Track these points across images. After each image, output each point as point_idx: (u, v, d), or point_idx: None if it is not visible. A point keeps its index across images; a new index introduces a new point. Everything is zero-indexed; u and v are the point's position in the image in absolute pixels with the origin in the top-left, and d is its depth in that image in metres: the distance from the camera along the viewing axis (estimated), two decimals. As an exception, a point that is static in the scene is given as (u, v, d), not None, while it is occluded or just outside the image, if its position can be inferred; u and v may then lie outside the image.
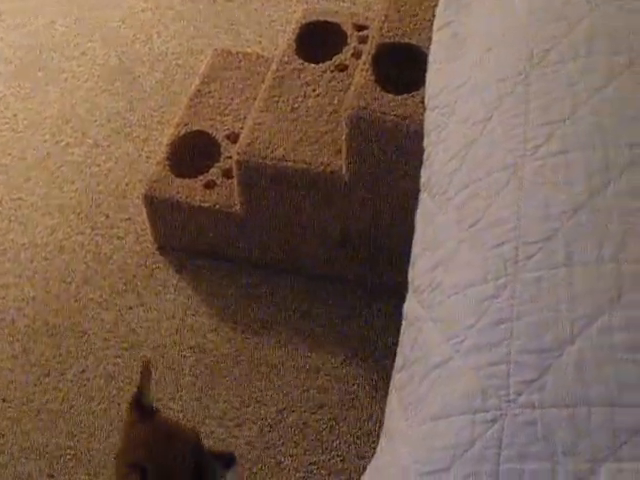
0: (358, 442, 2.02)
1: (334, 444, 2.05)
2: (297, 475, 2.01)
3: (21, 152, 2.60)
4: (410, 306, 1.59)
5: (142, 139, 2.59)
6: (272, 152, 2.07)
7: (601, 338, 1.28)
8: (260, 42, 2.79)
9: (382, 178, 1.99)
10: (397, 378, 1.56)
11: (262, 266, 2.31)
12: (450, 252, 1.52)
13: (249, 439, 2.06)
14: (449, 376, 1.37)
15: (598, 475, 1.19)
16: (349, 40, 2.27)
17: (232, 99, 2.39)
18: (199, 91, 2.42)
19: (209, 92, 2.41)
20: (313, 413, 2.09)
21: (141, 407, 1.57)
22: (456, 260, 1.50)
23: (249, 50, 2.69)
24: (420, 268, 1.59)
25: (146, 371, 1.59)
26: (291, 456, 2.04)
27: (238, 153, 2.09)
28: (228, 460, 1.52)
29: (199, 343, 2.21)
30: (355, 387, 2.12)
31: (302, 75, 2.21)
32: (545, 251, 1.39)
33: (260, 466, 2.02)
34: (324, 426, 2.07)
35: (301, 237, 2.20)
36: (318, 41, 2.32)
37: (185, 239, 2.33)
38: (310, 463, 2.02)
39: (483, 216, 1.49)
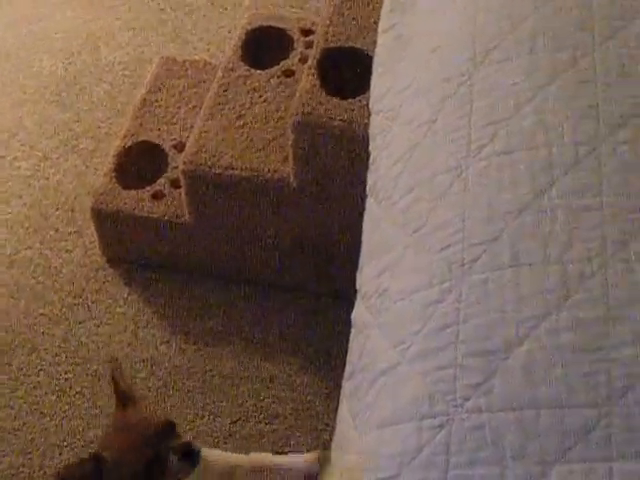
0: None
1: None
2: (253, 486, 1.97)
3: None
4: (358, 313, 1.56)
5: (90, 151, 2.54)
6: (218, 160, 2.04)
7: (548, 339, 1.26)
8: (208, 49, 2.76)
9: (331, 183, 1.96)
10: (346, 386, 1.53)
11: (214, 276, 2.27)
12: (396, 257, 1.49)
13: (203, 452, 2.02)
14: (396, 383, 1.34)
15: (549, 478, 1.17)
16: (296, 45, 2.23)
17: (179, 108, 2.35)
18: (145, 101, 2.38)
19: (155, 101, 2.37)
20: (268, 423, 2.06)
21: (118, 398, 1.57)
22: (402, 265, 1.47)
23: (197, 58, 2.65)
24: (367, 274, 1.56)
25: (115, 363, 1.62)
26: (246, 468, 2.00)
27: (184, 162, 2.05)
28: (193, 458, 1.48)
29: (151, 356, 2.17)
30: (310, 396, 2.08)
31: (248, 82, 2.17)
32: (490, 253, 1.36)
33: (215, 478, 1.98)
34: (279, 436, 2.04)
35: (252, 245, 2.16)
36: (265, 47, 2.28)
37: (134, 251, 2.28)
38: (266, 474, 1.98)
39: (428, 220, 1.47)
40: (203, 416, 2.07)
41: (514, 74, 1.54)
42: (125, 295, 2.27)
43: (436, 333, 1.33)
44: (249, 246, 2.16)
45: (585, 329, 1.25)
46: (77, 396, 2.12)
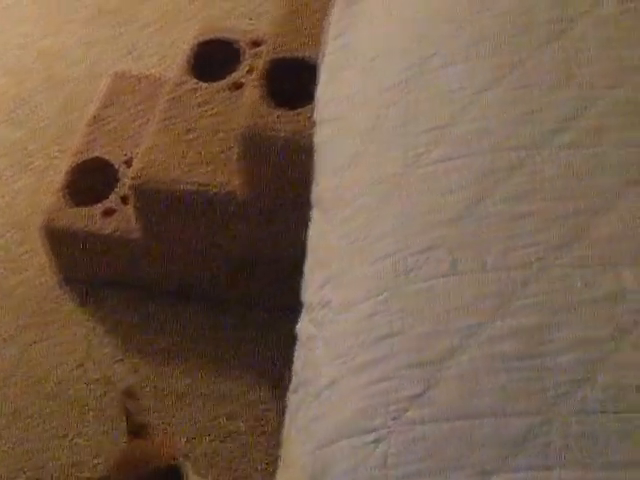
0: (269, 469, 1.95)
1: (245, 472, 1.98)
2: (206, 505, 1.94)
3: None
4: (303, 325, 1.54)
5: (43, 169, 2.51)
6: (166, 175, 2.01)
7: (487, 348, 1.24)
8: (161, 64, 2.73)
9: (279, 196, 1.94)
10: (292, 400, 1.50)
11: (166, 292, 2.24)
12: (338, 269, 1.47)
13: (158, 471, 1.98)
14: (338, 397, 1.32)
15: (488, 488, 1.15)
16: (245, 57, 2.21)
17: (130, 123, 2.32)
18: (96, 117, 2.35)
19: (106, 117, 2.34)
20: (222, 441, 2.02)
21: (130, 427, 1.57)
22: (344, 277, 1.45)
23: (151, 72, 2.63)
24: (311, 286, 1.54)
25: (129, 391, 1.60)
26: (201, 486, 1.97)
27: (132, 178, 2.03)
28: None
29: (104, 375, 2.13)
30: (265, 412, 2.05)
31: (197, 95, 2.15)
32: (429, 261, 1.34)
33: (169, 499, 1.95)
34: (234, 454, 2.01)
35: (203, 260, 2.13)
36: (215, 60, 2.26)
37: (87, 269, 2.25)
38: (220, 493, 1.96)
39: (368, 230, 1.45)
40: (157, 435, 2.03)
41: (453, 80, 1.53)
42: (78, 314, 2.24)
43: (374, 345, 1.31)
44: (200, 261, 2.14)
45: (524, 336, 1.23)
46: (32, 417, 2.08)
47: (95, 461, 2.01)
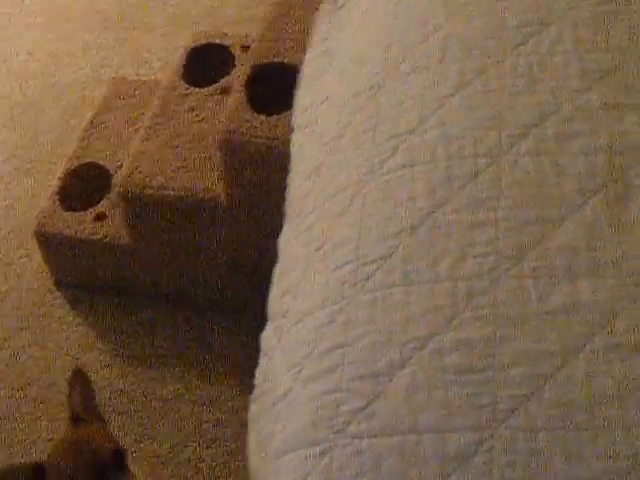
0: (252, 476, 1.92)
1: (229, 479, 1.95)
2: (190, 513, 1.92)
3: None
4: (266, 335, 1.51)
5: (44, 173, 2.50)
6: (151, 181, 1.99)
7: (433, 361, 1.19)
8: (166, 69, 2.71)
9: (260, 201, 1.90)
10: (252, 410, 1.47)
11: (157, 297, 2.22)
12: (298, 277, 1.44)
13: (141, 477, 1.96)
14: (291, 409, 1.29)
15: (426, 506, 1.11)
16: (236, 62, 2.19)
17: (126, 128, 2.31)
18: (93, 122, 2.34)
19: (103, 122, 2.33)
20: (207, 447, 2.00)
21: (71, 413, 1.54)
22: (302, 286, 1.41)
23: (156, 77, 2.61)
24: (274, 294, 1.51)
25: (77, 377, 1.56)
26: (184, 493, 1.95)
27: (120, 184, 2.01)
28: None
29: (93, 380, 2.09)
30: (250, 419, 2.02)
31: (187, 100, 2.13)
32: (382, 271, 1.30)
33: (152, 505, 1.93)
34: (219, 460, 1.98)
35: (191, 265, 2.11)
36: (210, 65, 2.24)
37: (79, 274, 2.24)
38: (203, 500, 1.93)
39: (328, 238, 1.41)
40: (142, 440, 2.02)
41: (421, 85, 1.48)
42: (70, 319, 2.23)
43: (326, 355, 1.27)
44: (189, 266, 2.11)
45: (470, 349, 1.18)
46: (17, 421, 2.07)
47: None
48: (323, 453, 1.19)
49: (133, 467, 1.94)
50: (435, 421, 1.15)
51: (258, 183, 1.86)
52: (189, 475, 1.97)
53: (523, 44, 1.47)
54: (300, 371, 1.29)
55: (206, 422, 2.03)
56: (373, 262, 1.31)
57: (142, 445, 2.01)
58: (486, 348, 1.18)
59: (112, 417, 2.05)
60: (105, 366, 2.13)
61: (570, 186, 1.29)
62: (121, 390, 2.09)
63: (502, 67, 1.45)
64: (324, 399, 1.23)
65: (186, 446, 2.00)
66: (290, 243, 1.52)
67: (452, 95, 1.44)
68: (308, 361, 1.28)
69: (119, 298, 2.23)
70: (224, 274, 2.10)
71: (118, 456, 1.46)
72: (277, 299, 1.46)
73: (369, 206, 1.38)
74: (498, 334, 1.18)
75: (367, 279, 1.30)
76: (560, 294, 1.20)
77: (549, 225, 1.26)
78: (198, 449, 2.00)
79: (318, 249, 1.41)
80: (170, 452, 2.00)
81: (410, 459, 1.14)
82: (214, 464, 1.98)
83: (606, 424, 1.10)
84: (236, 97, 1.88)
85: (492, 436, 1.12)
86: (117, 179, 2.03)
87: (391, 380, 1.19)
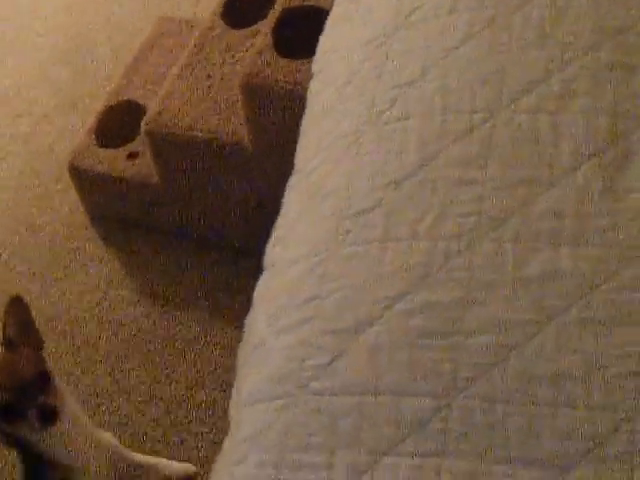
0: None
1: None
2: (199, 454, 1.91)
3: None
4: (258, 285, 1.47)
5: (89, 110, 2.50)
6: (179, 121, 1.96)
7: (399, 322, 1.15)
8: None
9: (284, 145, 1.85)
10: (239, 356, 1.45)
11: (187, 239, 2.20)
12: (289, 227, 1.40)
13: (155, 416, 1.97)
14: (262, 359, 1.26)
15: (375, 470, 1.07)
16: (276, 5, 2.13)
17: (167, 68, 2.28)
18: (136, 60, 2.32)
19: (146, 61, 2.31)
20: (222, 391, 1.98)
21: (4, 339, 1.52)
22: (292, 236, 1.37)
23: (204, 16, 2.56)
24: (269, 244, 1.47)
25: (10, 306, 1.52)
26: (196, 434, 1.94)
27: (147, 123, 1.99)
28: (48, 419, 1.44)
29: (118, 317, 2.12)
30: (266, 365, 2.00)
31: (224, 41, 2.09)
32: (364, 225, 1.25)
33: (163, 444, 1.93)
34: (231, 405, 1.96)
35: (220, 208, 2.08)
36: (252, 7, 2.19)
37: (112, 210, 2.24)
38: (214, 442, 1.92)
39: (321, 187, 1.37)
40: (159, 380, 2.02)
41: (430, 35, 1.41)
42: (102, 255, 2.24)
43: (300, 307, 1.23)
44: (217, 209, 2.09)
45: (439, 312, 1.13)
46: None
47: (97, 400, 2.01)
48: (285, 408, 1.15)
49: (147, 407, 1.97)
50: (394, 384, 1.11)
51: (280, 127, 1.82)
52: (202, 418, 1.96)
53: (537, -4, 1.39)
54: (276, 321, 1.26)
55: (223, 366, 2.02)
56: (357, 215, 1.27)
57: (158, 385, 2.01)
58: (455, 312, 1.13)
59: (132, 355, 2.06)
60: (131, 304, 2.14)
61: (565, 148, 1.21)
62: (144, 329, 2.09)
63: (513, 19, 1.37)
64: (293, 352, 1.19)
65: (201, 388, 2.00)
66: (291, 191, 1.48)
67: (458, 47, 1.37)
68: (284, 311, 1.25)
69: (150, 237, 2.22)
70: (252, 218, 2.06)
71: (43, 378, 1.46)
72: (270, 249, 1.43)
73: (362, 156, 1.33)
74: (469, 298, 1.13)
75: (348, 232, 1.26)
76: (539, 261, 1.13)
77: (537, 187, 1.19)
78: (213, 392, 1.99)
79: (311, 197, 1.37)
80: (185, 393, 1.99)
81: (365, 421, 1.10)
82: (227, 407, 1.96)
83: (569, 402, 1.04)
84: (262, 40, 1.83)
85: (450, 404, 1.08)
86: (147, 117, 2.01)
87: (357, 338, 1.15)
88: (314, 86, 1.61)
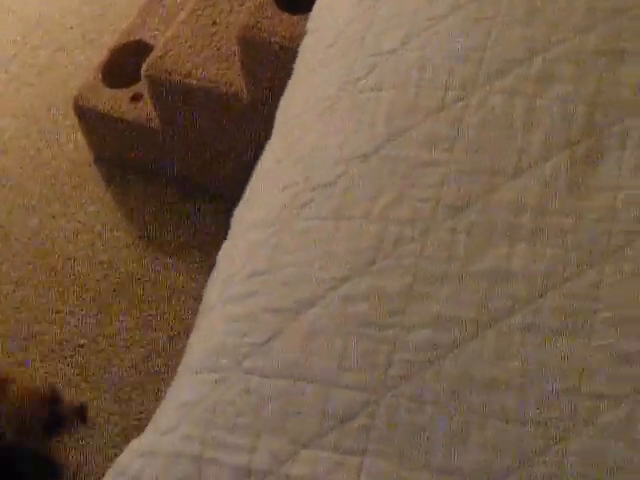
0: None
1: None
2: (174, 405, 1.85)
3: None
4: (224, 244, 1.39)
5: (106, 46, 2.41)
6: (179, 68, 1.87)
7: (340, 306, 1.06)
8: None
9: (280, 98, 1.76)
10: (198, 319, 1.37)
11: (186, 186, 2.12)
12: (257, 189, 1.31)
13: (134, 362, 1.91)
14: (209, 326, 1.18)
15: (294, 462, 0.99)
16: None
17: (180, 10, 2.18)
18: (151, 0, 2.22)
19: (161, 1, 2.21)
20: (204, 343, 1.92)
21: None
22: (257, 198, 1.29)
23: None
24: (241, 201, 1.38)
25: None
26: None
27: (147, 67, 1.90)
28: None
29: (109, 259, 2.06)
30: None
31: (234, -12, 1.98)
32: (321, 200, 1.17)
33: (139, 392, 1.88)
34: (211, 358, 1.90)
35: (218, 157, 1.99)
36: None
37: (114, 151, 2.16)
38: (190, 394, 1.86)
39: (290, 152, 1.28)
40: (142, 326, 1.96)
41: (417, 2, 1.30)
42: (101, 195, 2.16)
43: (248, 279, 1.15)
44: (216, 158, 2.00)
45: (381, 302, 1.05)
46: (32, 289, 2.04)
47: (80, 341, 1.96)
48: (219, 382, 1.08)
49: (127, 353, 1.91)
50: (324, 372, 1.03)
51: (276, 81, 1.71)
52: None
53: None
54: (225, 289, 1.18)
55: (207, 318, 1.95)
56: (315, 189, 1.18)
57: (141, 332, 1.95)
58: (397, 303, 1.04)
59: (118, 299, 2.00)
60: (125, 246, 2.07)
61: (537, 136, 1.11)
62: (133, 273, 2.03)
63: (505, -9, 1.25)
64: (235, 325, 1.12)
65: (183, 338, 1.92)
66: (266, 154, 1.39)
67: (444, 17, 1.26)
68: (234, 280, 1.17)
69: (151, 181, 2.14)
70: (250, 169, 1.97)
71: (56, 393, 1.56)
72: (238, 209, 1.34)
73: (333, 124, 1.24)
74: (414, 290, 1.04)
75: (305, 205, 1.17)
76: (492, 257, 1.04)
77: (501, 177, 1.09)
78: (194, 343, 1.92)
79: (279, 161, 1.28)
80: (166, 342, 1.93)
81: (291, 408, 1.02)
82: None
83: (500, 414, 0.96)
84: (264, -9, 1.72)
85: (378, 401, 1.00)
86: (147, 61, 1.92)
87: (296, 319, 1.07)
88: (305, 44, 1.51)
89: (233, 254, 1.23)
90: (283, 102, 1.44)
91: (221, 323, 1.14)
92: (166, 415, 1.11)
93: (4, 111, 2.36)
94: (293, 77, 1.46)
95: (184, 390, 1.12)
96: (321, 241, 1.12)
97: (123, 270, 2.04)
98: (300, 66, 1.45)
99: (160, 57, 1.90)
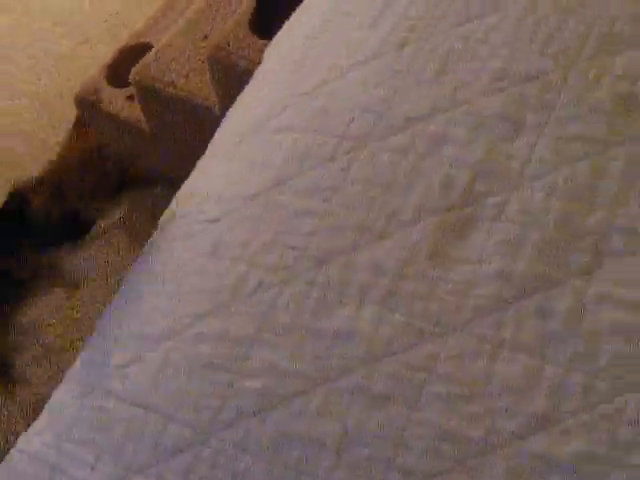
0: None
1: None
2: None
3: (18, 38, 2.51)
4: None
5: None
6: (164, 76, 1.87)
7: (192, 344, 1.04)
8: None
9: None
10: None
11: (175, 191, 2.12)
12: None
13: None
14: (93, 340, 1.17)
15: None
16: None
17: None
18: (166, 3, 2.22)
19: (174, 7, 2.21)
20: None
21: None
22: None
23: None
24: None
25: None
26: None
27: (135, 72, 1.90)
28: None
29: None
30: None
31: (233, 3, 1.96)
32: (203, 236, 1.14)
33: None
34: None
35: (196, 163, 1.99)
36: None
37: (108, 143, 2.18)
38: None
39: (200, 178, 1.28)
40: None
41: (343, 43, 1.26)
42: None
43: (135, 300, 1.16)
44: (194, 164, 2.00)
45: (227, 344, 1.03)
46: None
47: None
48: (83, 395, 1.08)
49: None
50: (167, 405, 1.02)
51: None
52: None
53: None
54: (124, 305, 1.18)
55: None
56: (201, 223, 1.16)
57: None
58: (241, 349, 1.02)
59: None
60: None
61: (413, 199, 1.06)
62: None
63: (422, 45, 1.20)
64: (106, 343, 1.12)
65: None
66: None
67: (362, 63, 1.21)
68: (130, 294, 1.18)
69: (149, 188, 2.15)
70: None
71: None
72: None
73: (240, 161, 1.22)
74: (259, 337, 1.02)
75: (188, 238, 1.16)
76: (339, 316, 1.01)
77: (368, 236, 1.05)
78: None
79: (191, 187, 1.28)
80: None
81: (133, 434, 1.02)
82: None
83: (311, 473, 0.93)
84: (241, 12, 1.71)
85: (203, 442, 0.98)
86: (136, 67, 1.92)
87: (155, 349, 1.06)
88: (256, 72, 1.48)
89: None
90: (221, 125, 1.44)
91: (107, 336, 1.14)
92: (43, 415, 1.12)
93: (22, 94, 2.39)
94: (235, 103, 1.44)
95: (59, 395, 1.13)
96: (193, 273, 1.10)
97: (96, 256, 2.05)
98: (244, 94, 1.44)
99: (149, 64, 1.90)
